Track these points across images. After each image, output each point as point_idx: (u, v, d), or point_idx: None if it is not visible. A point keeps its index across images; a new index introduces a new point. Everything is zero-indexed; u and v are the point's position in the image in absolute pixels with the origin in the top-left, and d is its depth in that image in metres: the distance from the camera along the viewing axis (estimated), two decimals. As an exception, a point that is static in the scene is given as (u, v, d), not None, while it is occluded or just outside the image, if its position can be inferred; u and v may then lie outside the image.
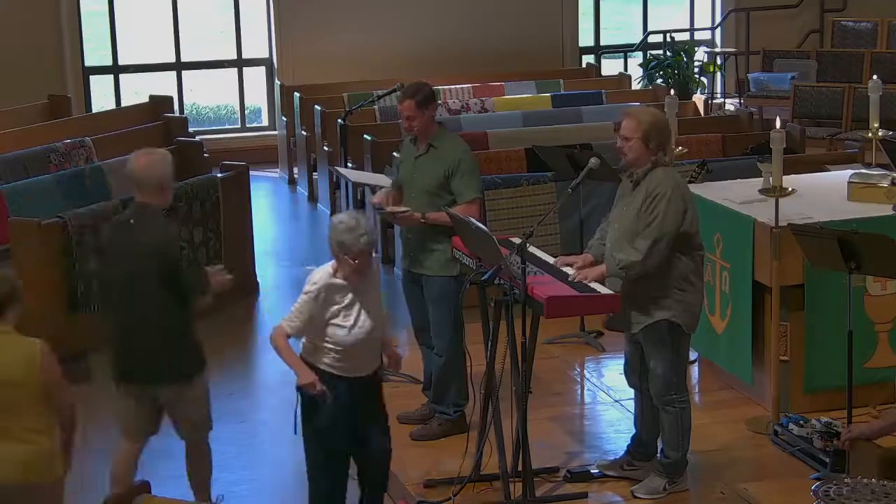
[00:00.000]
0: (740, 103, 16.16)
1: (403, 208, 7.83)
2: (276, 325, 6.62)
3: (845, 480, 5.81)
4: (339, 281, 6.51)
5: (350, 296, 6.52)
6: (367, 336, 6.56)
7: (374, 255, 6.67)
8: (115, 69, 16.27)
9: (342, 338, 6.51)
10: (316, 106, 13.98)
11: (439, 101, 14.04)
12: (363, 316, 6.54)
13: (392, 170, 8.24)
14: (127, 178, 7.04)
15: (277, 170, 15.43)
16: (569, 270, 7.15)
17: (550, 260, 7.38)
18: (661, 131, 7.00)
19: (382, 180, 8.61)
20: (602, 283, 7.07)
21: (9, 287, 5.97)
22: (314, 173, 14.42)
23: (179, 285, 6.77)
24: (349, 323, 6.51)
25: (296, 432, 6.75)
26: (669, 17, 18.64)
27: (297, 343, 6.70)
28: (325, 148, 13.60)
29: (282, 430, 8.13)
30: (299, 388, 6.61)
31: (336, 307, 6.51)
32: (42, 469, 5.96)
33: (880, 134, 9.16)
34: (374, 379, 6.74)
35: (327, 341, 6.53)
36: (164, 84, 16.22)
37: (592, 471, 7.45)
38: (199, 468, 7.20)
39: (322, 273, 6.58)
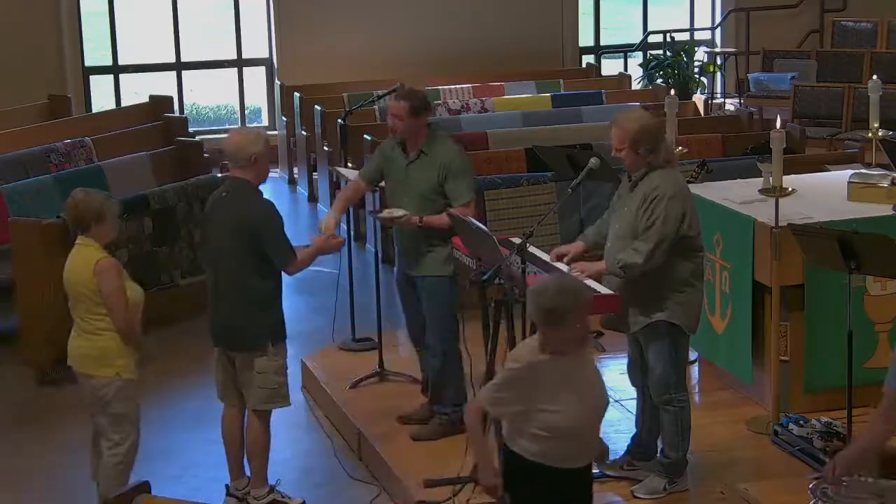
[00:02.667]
0: (740, 103, 16.17)
1: (401, 212, 7.84)
2: (472, 402, 5.79)
3: (842, 479, 5.80)
4: (546, 357, 5.53)
5: (563, 372, 5.53)
6: (585, 419, 5.60)
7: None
8: (115, 69, 16.28)
9: (555, 423, 5.50)
10: (316, 106, 13.98)
11: (439, 102, 14.11)
12: (581, 395, 5.56)
13: (367, 164, 8.24)
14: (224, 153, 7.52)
15: (277, 170, 15.44)
16: (562, 265, 7.14)
17: (544, 257, 7.38)
18: (649, 134, 6.95)
19: (353, 174, 8.62)
20: (599, 280, 7.07)
21: (95, 206, 6.95)
22: (314, 173, 14.43)
23: (264, 257, 7.17)
24: (561, 406, 5.50)
25: None
26: (669, 17, 18.65)
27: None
28: (325, 148, 13.61)
29: (279, 429, 8.15)
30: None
31: (545, 388, 5.51)
32: (89, 363, 7.03)
33: (880, 134, 9.15)
34: (588, 472, 5.77)
35: (536, 427, 5.53)
36: (164, 84, 16.23)
37: (592, 471, 7.44)
38: (251, 445, 7.48)
39: (527, 349, 5.62)
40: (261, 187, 7.37)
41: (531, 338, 5.69)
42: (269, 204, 7.26)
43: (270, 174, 16.01)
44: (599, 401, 5.65)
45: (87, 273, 6.94)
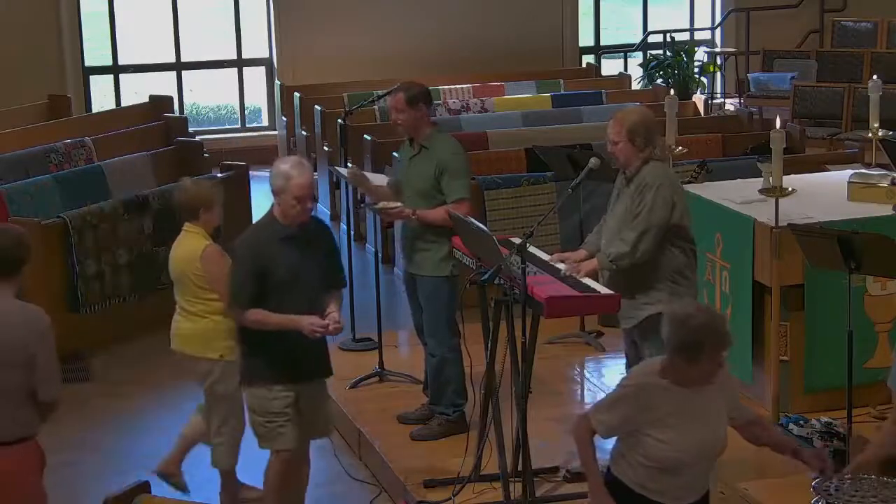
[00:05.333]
0: (740, 103, 16.16)
1: (395, 204, 7.84)
2: (581, 415, 5.51)
3: (845, 476, 5.79)
4: (664, 382, 5.24)
5: (678, 402, 5.23)
6: (696, 457, 5.29)
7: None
8: (115, 69, 16.27)
9: (660, 454, 5.23)
10: (316, 106, 13.98)
11: (439, 102, 14.10)
12: (695, 430, 5.26)
13: (392, 169, 8.26)
14: None
15: (277, 170, 15.41)
16: (559, 265, 7.16)
17: (544, 257, 7.38)
18: (646, 128, 7.01)
19: (381, 180, 8.63)
20: (595, 277, 7.07)
21: (205, 194, 7.22)
22: (314, 173, 14.40)
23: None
24: (670, 436, 5.22)
25: None
26: (669, 17, 18.64)
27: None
28: (325, 148, 13.61)
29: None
30: None
31: (657, 414, 5.22)
32: (194, 345, 7.28)
33: (880, 134, 9.16)
34: None
35: (640, 453, 5.28)
36: (164, 84, 16.22)
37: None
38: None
39: (646, 369, 5.39)
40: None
41: (654, 358, 5.47)
42: (244, 242, 6.81)
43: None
44: (711, 442, 5.32)
45: (194, 259, 7.18)
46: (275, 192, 6.68)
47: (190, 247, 7.24)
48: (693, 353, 5.14)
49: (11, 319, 5.65)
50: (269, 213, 6.76)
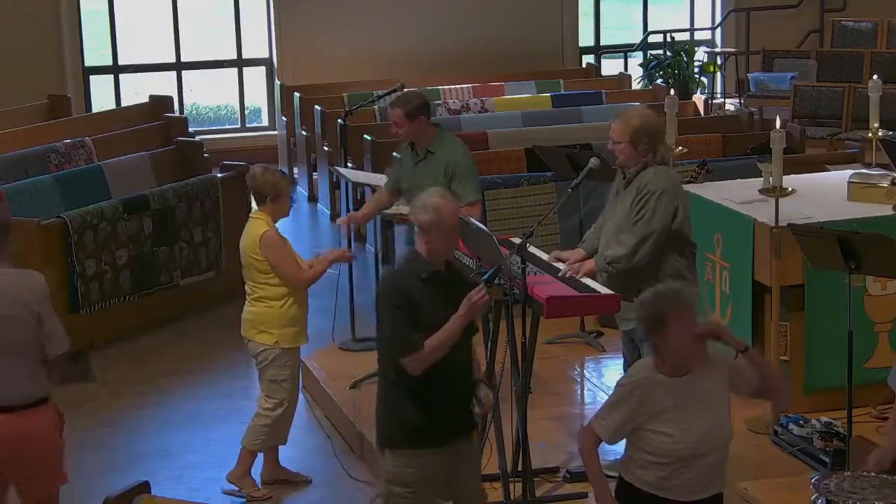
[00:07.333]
0: (740, 103, 16.16)
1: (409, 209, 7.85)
2: (585, 425, 5.47)
3: (845, 474, 5.80)
4: (661, 376, 5.25)
5: (677, 394, 5.23)
6: (702, 447, 5.26)
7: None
8: (115, 69, 16.27)
9: (666, 447, 5.21)
10: (316, 106, 13.98)
11: (439, 102, 14.11)
12: (697, 420, 5.24)
13: (390, 170, 8.26)
14: None
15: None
16: (558, 264, 7.17)
17: (544, 257, 7.39)
18: (650, 133, 6.98)
19: (380, 180, 8.63)
20: (594, 278, 7.08)
21: (272, 182, 7.44)
22: (314, 173, 14.44)
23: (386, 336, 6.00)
24: (673, 429, 5.21)
25: None
26: (669, 17, 18.65)
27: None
28: (325, 148, 13.61)
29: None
30: None
31: (657, 408, 5.22)
32: (252, 330, 7.52)
33: (880, 134, 9.15)
34: None
35: (646, 451, 5.26)
36: (164, 84, 16.22)
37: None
38: None
39: (641, 366, 5.38)
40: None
41: (647, 357, 5.47)
42: (389, 285, 6.08)
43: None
44: (715, 430, 5.30)
45: (254, 244, 7.42)
46: (423, 228, 5.94)
47: (251, 233, 7.48)
48: (659, 324, 5.17)
49: (13, 283, 6.05)
50: (412, 251, 6.06)
